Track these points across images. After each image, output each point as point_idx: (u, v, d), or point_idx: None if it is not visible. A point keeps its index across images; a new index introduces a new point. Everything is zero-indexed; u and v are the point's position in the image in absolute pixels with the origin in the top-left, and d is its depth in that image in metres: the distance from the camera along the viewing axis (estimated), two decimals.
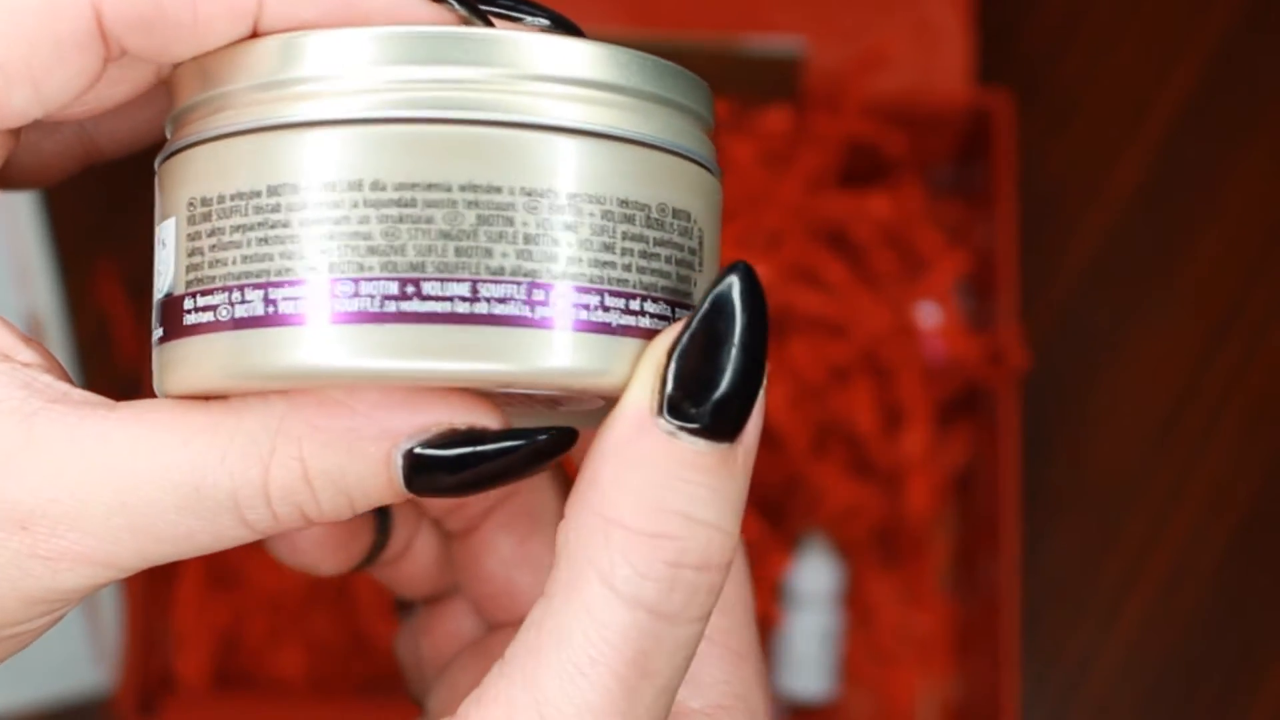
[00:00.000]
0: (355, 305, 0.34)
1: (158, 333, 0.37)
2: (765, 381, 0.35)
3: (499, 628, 0.45)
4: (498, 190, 0.34)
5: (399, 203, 0.34)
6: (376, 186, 0.34)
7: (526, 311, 0.34)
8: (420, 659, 0.47)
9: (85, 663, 0.87)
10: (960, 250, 0.92)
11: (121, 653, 0.84)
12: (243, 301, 0.35)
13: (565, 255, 0.34)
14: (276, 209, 0.34)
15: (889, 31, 0.92)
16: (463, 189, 0.34)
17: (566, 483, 0.45)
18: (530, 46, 0.35)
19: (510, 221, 0.34)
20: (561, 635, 0.35)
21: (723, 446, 0.35)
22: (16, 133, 0.38)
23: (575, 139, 0.35)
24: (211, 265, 0.35)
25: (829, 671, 0.90)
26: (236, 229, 0.35)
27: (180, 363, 0.36)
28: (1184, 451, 0.94)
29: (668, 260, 0.36)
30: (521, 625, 0.36)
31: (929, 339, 0.92)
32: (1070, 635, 0.92)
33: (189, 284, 0.36)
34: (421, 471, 0.35)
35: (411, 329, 0.34)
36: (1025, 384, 0.91)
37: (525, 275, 0.34)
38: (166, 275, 0.36)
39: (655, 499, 0.34)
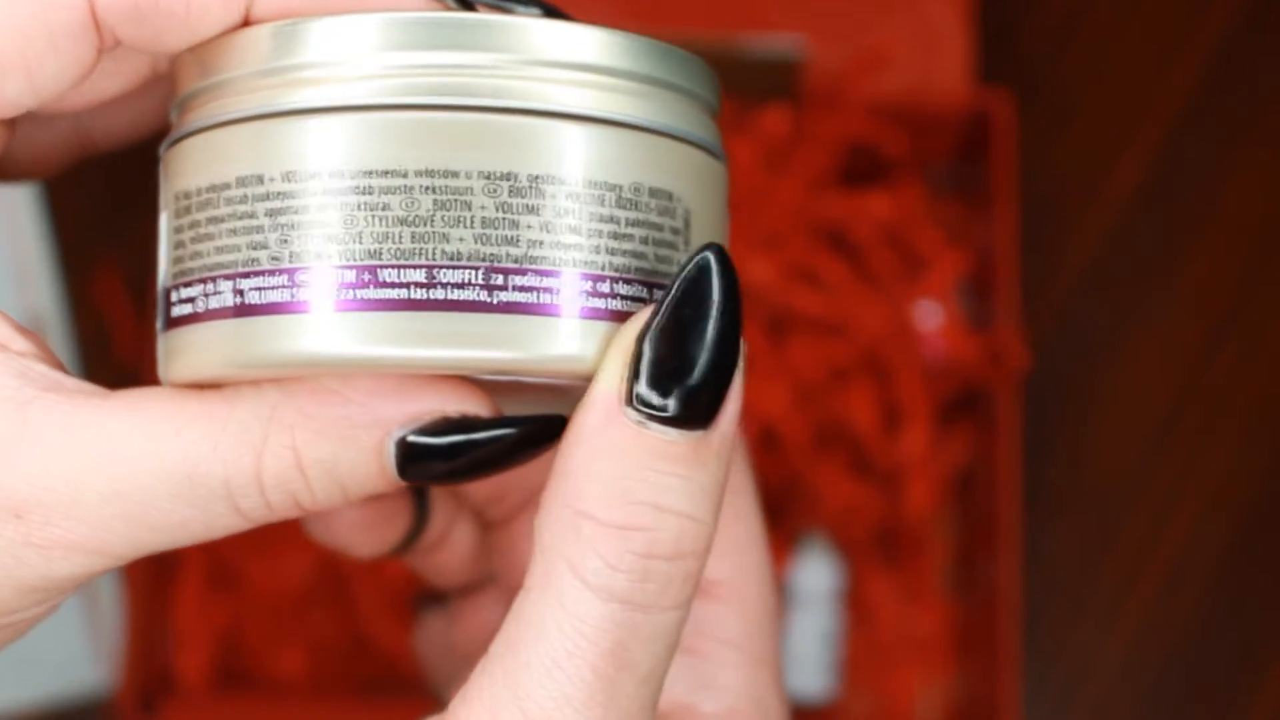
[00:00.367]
0: (364, 294, 0.34)
1: (161, 321, 0.37)
2: (742, 365, 0.35)
3: None
4: (511, 176, 0.34)
5: (411, 189, 0.34)
6: (380, 174, 0.34)
7: (543, 300, 0.34)
8: (450, 648, 0.47)
9: (85, 663, 0.87)
10: (960, 250, 0.92)
11: (121, 653, 0.84)
12: (247, 289, 0.35)
13: (579, 243, 0.34)
14: (283, 196, 0.34)
15: (889, 31, 0.92)
16: (476, 175, 0.34)
17: None
18: (522, 31, 0.35)
19: (522, 208, 0.34)
20: (538, 630, 0.34)
21: (695, 434, 0.34)
22: (11, 124, 0.38)
23: (589, 127, 0.35)
24: (215, 252, 0.35)
25: (829, 671, 0.90)
26: (242, 215, 0.35)
27: (183, 350, 0.36)
28: (1184, 451, 0.93)
29: (667, 246, 0.36)
30: (506, 619, 0.36)
31: (929, 339, 0.92)
32: (1070, 635, 0.92)
33: (188, 272, 0.36)
34: (414, 459, 0.35)
35: (423, 317, 0.34)
36: (1025, 384, 0.91)
37: (539, 263, 0.34)
38: (167, 263, 0.36)
39: (623, 490, 0.34)
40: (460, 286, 0.34)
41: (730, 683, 0.41)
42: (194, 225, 0.36)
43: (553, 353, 0.34)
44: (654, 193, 0.35)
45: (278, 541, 0.89)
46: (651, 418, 0.34)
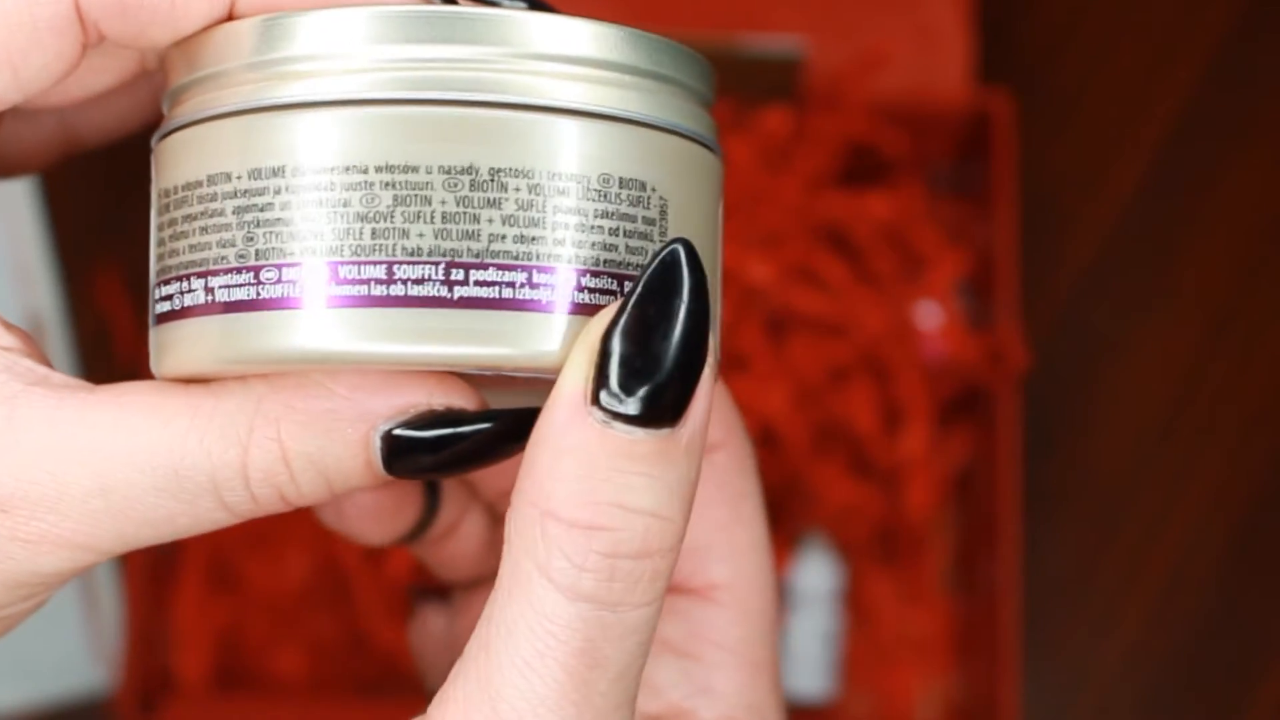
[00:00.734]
0: (352, 289, 0.34)
1: (152, 314, 0.37)
2: (713, 361, 0.34)
3: None
4: (500, 171, 0.34)
5: (400, 184, 0.34)
6: (370, 170, 0.34)
7: (536, 295, 0.34)
8: (453, 642, 0.47)
9: (85, 663, 0.87)
10: (960, 250, 0.92)
11: (121, 653, 0.84)
12: (238, 284, 0.35)
13: (571, 239, 0.34)
14: (263, 192, 0.34)
15: (889, 31, 0.92)
16: (463, 170, 0.34)
17: None
18: (497, 24, 0.35)
19: (512, 203, 0.34)
20: (509, 630, 0.34)
21: (662, 433, 0.34)
22: None
23: (582, 121, 0.34)
24: (206, 247, 0.35)
25: (829, 671, 0.90)
26: (232, 210, 0.35)
27: (174, 345, 0.36)
28: (1184, 451, 0.93)
29: (650, 239, 0.35)
30: (480, 619, 0.35)
31: (929, 339, 0.91)
32: (1070, 635, 0.92)
33: (184, 265, 0.36)
34: (400, 453, 0.35)
35: (413, 313, 0.34)
36: (1025, 384, 0.91)
37: (532, 259, 0.34)
38: (153, 258, 0.37)
39: (588, 490, 0.34)
40: (420, 282, 0.34)
41: (728, 689, 0.41)
42: (171, 223, 0.36)
43: (519, 349, 0.34)
44: (625, 183, 0.35)
45: (278, 541, 0.89)
46: (616, 417, 0.34)
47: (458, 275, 0.34)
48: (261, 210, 0.34)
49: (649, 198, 0.35)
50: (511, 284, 0.34)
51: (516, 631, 0.34)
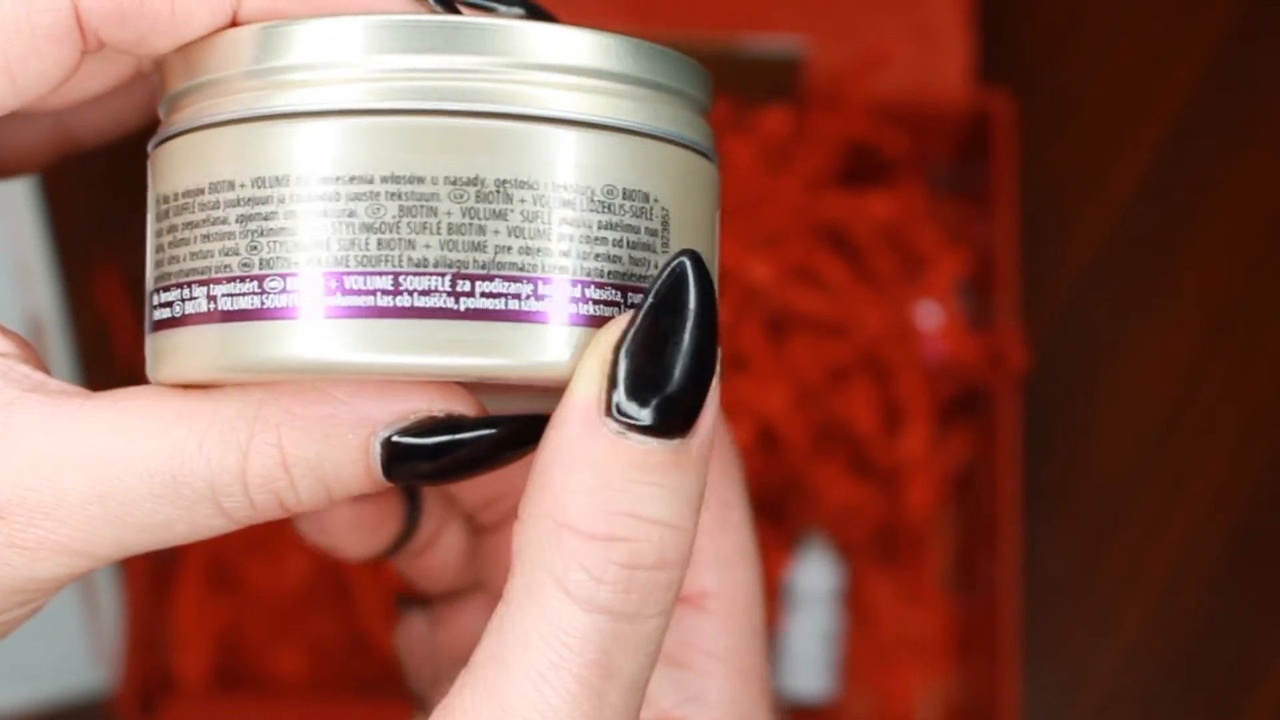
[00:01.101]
0: (351, 300, 0.34)
1: (149, 321, 0.37)
2: (719, 371, 0.35)
3: None
4: (501, 182, 0.34)
5: (400, 195, 0.34)
6: (378, 179, 0.34)
7: (533, 306, 0.34)
8: (434, 651, 0.47)
9: (85, 663, 0.87)
10: (960, 250, 0.92)
11: (121, 653, 0.84)
12: (237, 293, 0.35)
13: (569, 250, 0.34)
14: (267, 200, 0.34)
15: (889, 31, 0.92)
16: (464, 181, 0.34)
17: None
18: (496, 34, 0.35)
19: (512, 214, 0.34)
20: (521, 641, 0.34)
21: (674, 443, 0.34)
22: None
23: (580, 131, 0.34)
24: (205, 255, 0.35)
25: (829, 671, 0.90)
26: (232, 219, 0.35)
27: (173, 351, 0.36)
28: (1184, 451, 0.93)
29: (655, 250, 0.35)
30: (485, 631, 0.35)
31: (929, 339, 0.91)
32: (1070, 635, 0.92)
33: (182, 273, 0.36)
34: (399, 459, 0.35)
35: (410, 324, 0.34)
36: (1025, 384, 0.90)
37: (530, 270, 0.34)
38: (151, 264, 0.36)
39: (605, 501, 0.34)
40: (427, 293, 0.34)
41: (719, 697, 0.41)
42: (171, 230, 0.36)
43: (525, 360, 0.34)
44: (628, 194, 0.35)
45: (277, 542, 0.89)
46: (631, 428, 0.34)
47: (464, 286, 0.34)
48: (265, 219, 0.34)
49: (652, 209, 0.35)
50: (517, 295, 0.34)
51: (530, 643, 0.34)
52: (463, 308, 0.34)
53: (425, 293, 0.34)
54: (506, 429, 0.35)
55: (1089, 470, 0.93)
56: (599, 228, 0.34)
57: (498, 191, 0.34)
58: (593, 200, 0.34)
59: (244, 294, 0.34)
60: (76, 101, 0.39)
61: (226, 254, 0.35)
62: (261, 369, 0.35)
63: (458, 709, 0.35)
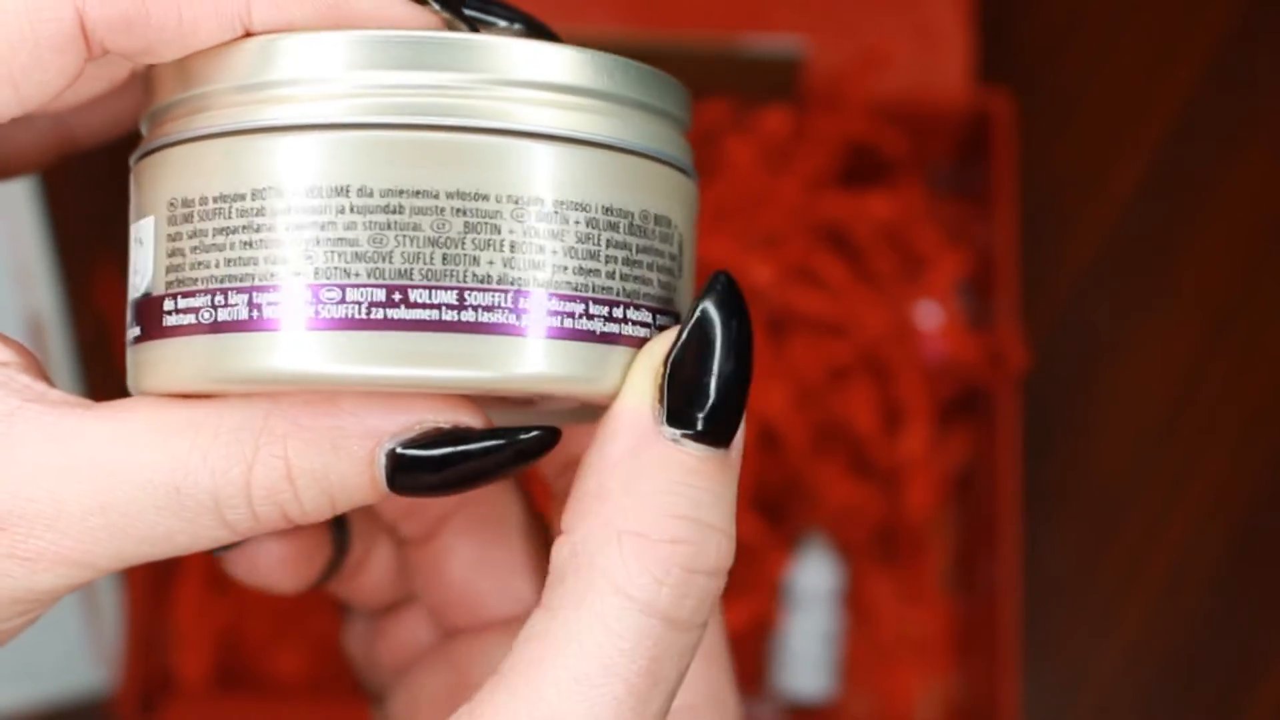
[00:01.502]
0: (338, 311, 0.34)
1: (134, 331, 0.37)
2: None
3: (458, 634, 0.45)
4: (484, 198, 0.34)
5: (385, 209, 0.34)
6: (362, 193, 0.34)
7: (512, 319, 0.34)
8: (376, 664, 0.47)
9: (85, 663, 0.87)
10: (960, 250, 0.92)
11: (121, 653, 0.84)
12: (224, 305, 0.35)
13: (550, 263, 0.34)
14: (258, 213, 0.34)
15: (889, 31, 0.92)
16: (450, 196, 0.34)
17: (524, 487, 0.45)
18: (508, 51, 0.35)
19: (497, 229, 0.34)
20: (571, 646, 0.35)
21: (720, 452, 0.36)
22: None
23: (557, 145, 0.35)
24: (192, 267, 0.35)
25: (829, 671, 0.90)
26: (219, 231, 0.35)
27: (158, 363, 0.36)
28: (1184, 451, 0.93)
29: (649, 267, 0.36)
30: (519, 638, 0.36)
31: (929, 339, 0.91)
32: (1070, 635, 0.92)
33: (169, 285, 0.36)
34: (404, 471, 0.35)
35: (396, 336, 0.34)
36: (1025, 384, 0.90)
37: (511, 283, 0.34)
38: (145, 275, 0.36)
39: (668, 505, 0.35)
40: (409, 306, 0.34)
41: (688, 680, 0.41)
42: (174, 237, 0.35)
43: (503, 372, 0.34)
44: (607, 209, 0.35)
45: None
46: (685, 435, 0.35)
47: (444, 299, 0.34)
48: (251, 231, 0.34)
49: (673, 234, 0.36)
50: (497, 308, 0.34)
51: (582, 647, 0.35)
52: (443, 320, 0.34)
53: (408, 305, 0.34)
54: (512, 442, 0.36)
55: (1089, 470, 0.93)
56: (576, 241, 0.35)
57: (479, 206, 0.34)
58: (570, 215, 0.35)
59: (228, 305, 0.34)
60: (77, 104, 0.39)
61: (211, 266, 0.35)
62: (245, 380, 0.35)
63: (489, 713, 0.35)
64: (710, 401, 0.35)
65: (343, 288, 0.34)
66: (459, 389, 0.34)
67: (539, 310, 0.34)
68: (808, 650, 0.90)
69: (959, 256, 0.92)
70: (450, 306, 0.34)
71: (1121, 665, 0.91)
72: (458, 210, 0.34)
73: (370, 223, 0.34)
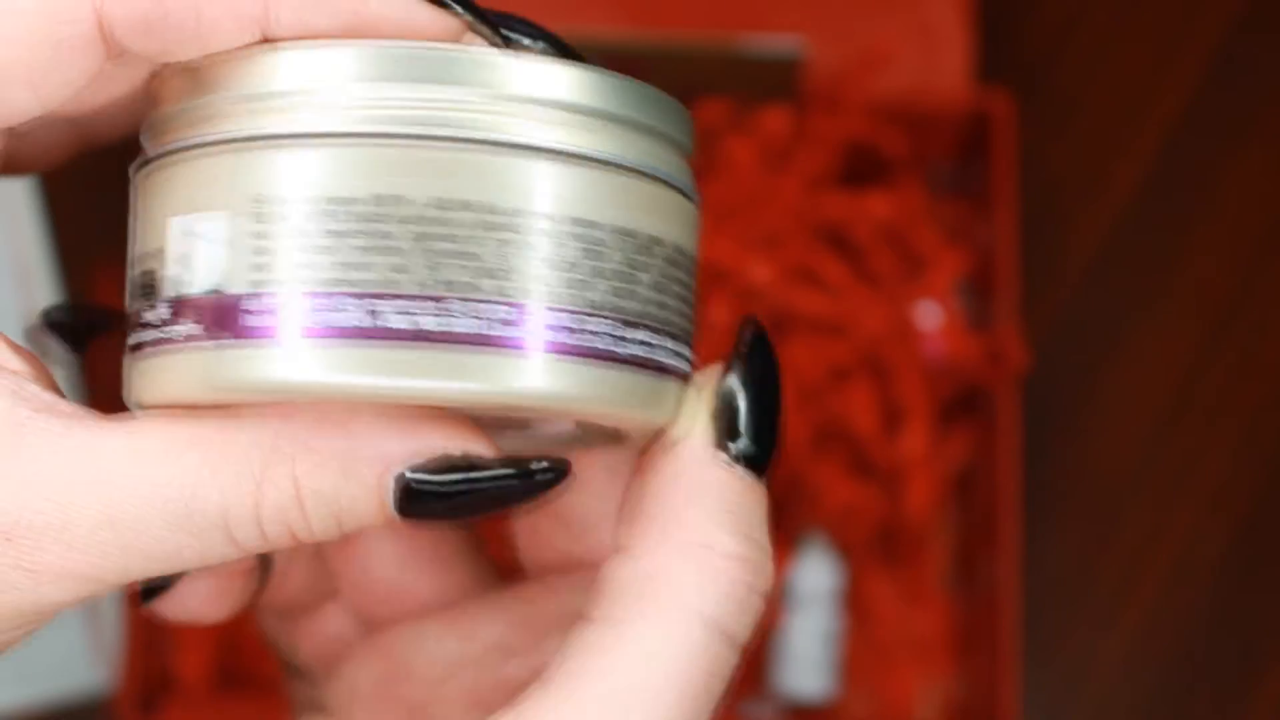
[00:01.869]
0: (331, 321, 0.34)
1: (133, 340, 0.36)
2: None
3: (382, 626, 0.44)
4: (488, 210, 0.34)
5: (386, 219, 0.34)
6: (364, 203, 0.34)
7: (506, 332, 0.34)
8: (297, 654, 0.46)
9: (85, 663, 0.87)
10: (960, 250, 0.92)
11: (121, 653, 0.84)
12: (216, 315, 0.34)
13: (545, 278, 0.34)
14: (258, 220, 0.34)
15: (889, 31, 0.92)
16: (453, 208, 0.34)
17: None
18: (512, 67, 0.35)
19: (501, 242, 0.34)
20: (629, 660, 0.35)
21: (760, 479, 0.37)
22: (13, 128, 0.37)
23: (560, 161, 0.35)
24: (179, 279, 0.35)
25: (829, 671, 0.90)
26: (221, 241, 0.35)
27: (156, 373, 0.35)
28: (1184, 451, 0.93)
29: (666, 291, 0.36)
30: (568, 649, 0.36)
31: (929, 339, 0.91)
32: (1070, 635, 0.92)
33: (160, 296, 0.35)
34: (414, 498, 0.35)
35: (389, 347, 0.34)
36: (1025, 384, 0.90)
37: (504, 296, 0.34)
38: (152, 284, 0.36)
39: (734, 522, 0.36)
40: (408, 317, 0.34)
41: None
42: (175, 247, 0.35)
43: (501, 386, 0.34)
44: (605, 227, 0.35)
45: None
46: (737, 459, 0.37)
47: (443, 311, 0.34)
48: (253, 240, 0.34)
49: (653, 249, 0.36)
50: (495, 321, 0.34)
51: (644, 661, 0.35)
52: (441, 332, 0.34)
53: (407, 316, 0.34)
54: (524, 473, 0.35)
55: (1089, 470, 0.93)
56: (580, 257, 0.35)
57: (478, 218, 0.34)
58: (571, 231, 0.35)
59: (228, 316, 0.34)
60: (97, 104, 0.38)
61: (211, 275, 0.35)
62: (245, 390, 0.34)
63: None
64: (756, 429, 0.37)
65: (344, 297, 0.34)
66: (457, 402, 0.34)
67: (537, 324, 0.34)
68: (808, 650, 0.90)
69: (959, 256, 0.92)
70: (448, 318, 0.34)
71: (1121, 665, 0.91)
72: (461, 223, 0.34)
73: (372, 233, 0.34)
